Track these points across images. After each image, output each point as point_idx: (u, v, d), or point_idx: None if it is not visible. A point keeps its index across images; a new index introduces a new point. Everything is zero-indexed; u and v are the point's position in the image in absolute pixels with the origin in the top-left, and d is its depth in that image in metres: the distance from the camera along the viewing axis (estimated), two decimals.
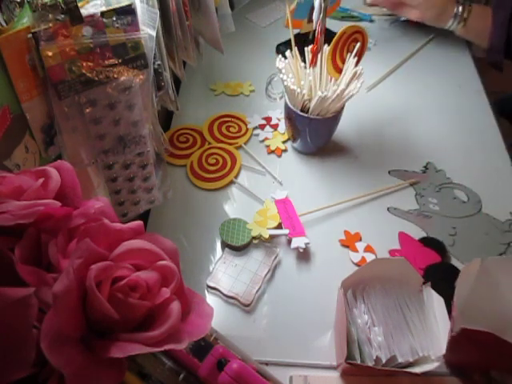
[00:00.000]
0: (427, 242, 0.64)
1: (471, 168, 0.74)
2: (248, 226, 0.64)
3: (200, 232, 0.66)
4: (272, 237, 0.63)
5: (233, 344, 0.44)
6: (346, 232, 0.65)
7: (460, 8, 0.86)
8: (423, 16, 0.89)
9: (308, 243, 0.61)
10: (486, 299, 0.50)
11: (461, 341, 0.44)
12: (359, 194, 0.70)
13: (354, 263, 0.62)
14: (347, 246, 0.63)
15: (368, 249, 0.63)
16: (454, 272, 0.60)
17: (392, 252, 0.63)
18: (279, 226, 0.64)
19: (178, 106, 0.70)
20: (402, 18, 1.03)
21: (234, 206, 0.69)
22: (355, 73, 0.66)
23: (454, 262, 0.62)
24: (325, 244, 0.64)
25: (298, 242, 0.61)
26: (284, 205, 0.66)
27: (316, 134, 0.72)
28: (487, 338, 0.42)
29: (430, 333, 0.48)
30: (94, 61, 0.45)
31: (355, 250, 0.63)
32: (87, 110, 0.47)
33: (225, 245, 0.63)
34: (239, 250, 0.62)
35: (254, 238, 0.63)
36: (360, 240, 0.64)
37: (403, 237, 0.65)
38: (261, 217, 0.65)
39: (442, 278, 0.59)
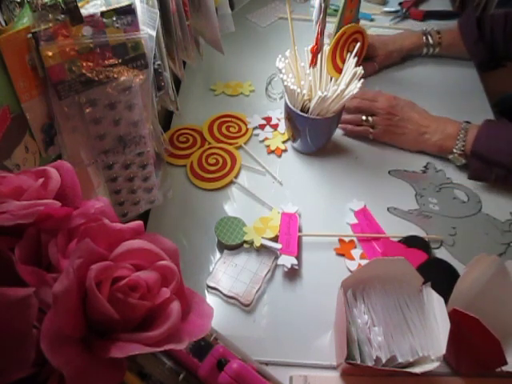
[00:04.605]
0: (409, 242, 0.63)
1: None
2: (245, 228, 0.63)
3: (200, 232, 0.66)
4: (263, 246, 0.62)
5: (233, 344, 0.44)
6: (340, 240, 0.64)
7: (429, 38, 0.91)
8: (389, 61, 0.93)
9: (296, 264, 0.59)
10: (497, 300, 0.50)
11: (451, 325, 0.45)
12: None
13: (350, 271, 0.61)
14: (343, 255, 0.63)
15: (364, 256, 0.62)
16: (445, 266, 0.60)
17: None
18: (275, 239, 0.62)
19: (177, 106, 0.70)
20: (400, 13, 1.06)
21: (234, 206, 0.69)
22: (355, 73, 0.66)
23: (452, 260, 0.62)
24: (323, 244, 0.64)
25: (286, 260, 0.59)
26: (289, 219, 0.65)
27: (316, 134, 0.72)
28: (473, 325, 0.43)
29: (430, 333, 0.48)
30: (94, 61, 0.45)
31: (351, 258, 0.62)
32: (87, 110, 0.47)
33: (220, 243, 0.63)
34: (229, 248, 0.62)
35: (245, 241, 0.62)
36: (355, 247, 0.64)
37: (385, 243, 0.63)
38: (261, 224, 0.64)
39: (437, 274, 0.59)
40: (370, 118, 0.76)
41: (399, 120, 0.74)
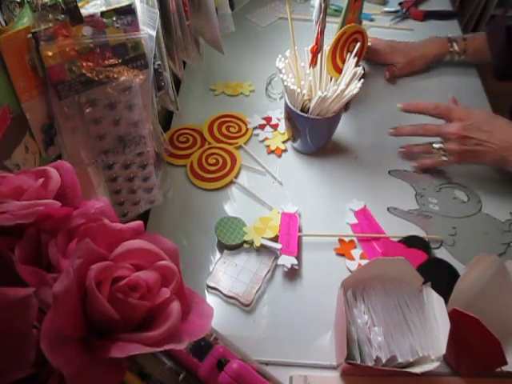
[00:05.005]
0: (409, 242, 0.63)
1: (471, 168, 0.74)
2: (245, 229, 0.63)
3: (200, 232, 0.66)
4: (263, 246, 0.62)
5: (233, 344, 0.44)
6: (340, 240, 0.64)
7: (455, 45, 0.88)
8: (411, 68, 0.90)
9: (296, 264, 0.59)
10: (497, 300, 0.50)
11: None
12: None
13: (350, 271, 0.61)
14: (343, 255, 0.63)
15: (364, 256, 0.62)
16: (445, 266, 0.60)
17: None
18: (275, 239, 0.62)
19: (177, 106, 0.70)
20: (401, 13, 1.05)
21: (234, 206, 0.69)
22: (355, 73, 0.66)
23: (452, 260, 0.62)
24: (323, 244, 0.64)
25: (286, 260, 0.59)
26: (289, 219, 0.65)
27: (316, 134, 0.72)
28: (473, 325, 0.43)
29: (430, 333, 0.48)
30: (94, 61, 0.45)
31: (351, 258, 0.62)
32: (87, 110, 0.47)
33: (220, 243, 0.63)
34: (229, 248, 0.62)
35: (245, 241, 0.62)
36: (355, 247, 0.64)
37: (385, 243, 0.63)
38: (261, 224, 0.64)
39: (437, 274, 0.59)
40: (441, 146, 0.69)
41: (476, 144, 0.65)
